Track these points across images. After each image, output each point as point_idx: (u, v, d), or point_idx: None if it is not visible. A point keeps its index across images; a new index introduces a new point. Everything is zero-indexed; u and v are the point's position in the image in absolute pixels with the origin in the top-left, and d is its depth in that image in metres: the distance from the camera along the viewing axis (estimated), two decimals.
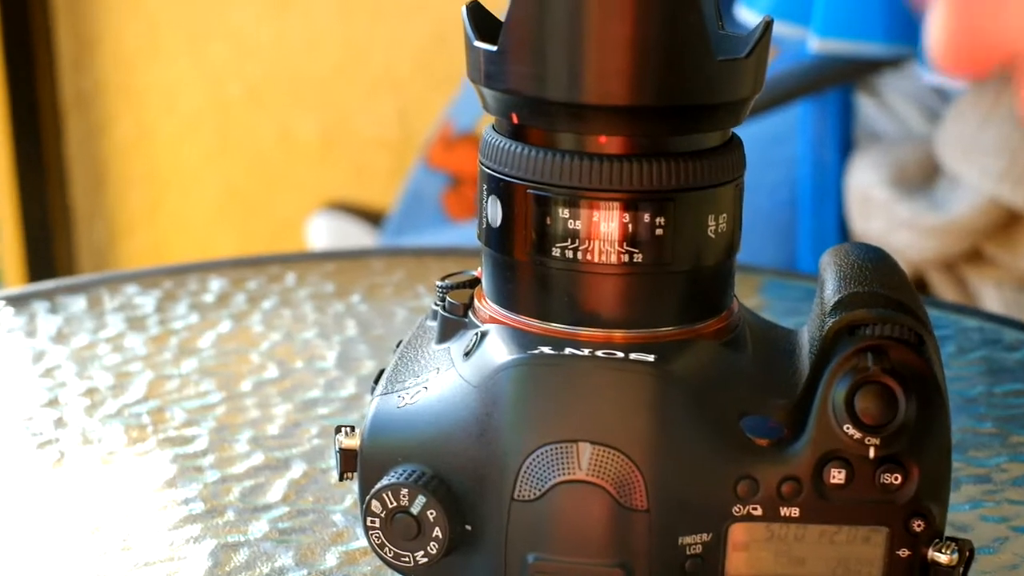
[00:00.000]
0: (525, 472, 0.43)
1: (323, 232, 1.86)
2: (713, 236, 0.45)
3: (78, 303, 0.78)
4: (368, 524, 0.45)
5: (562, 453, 0.43)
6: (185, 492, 0.60)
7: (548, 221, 0.44)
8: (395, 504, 0.44)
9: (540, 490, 0.43)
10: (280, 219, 2.06)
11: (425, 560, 0.44)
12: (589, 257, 0.44)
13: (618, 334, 0.44)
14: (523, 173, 0.44)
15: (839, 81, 1.37)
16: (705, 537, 0.43)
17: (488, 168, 0.45)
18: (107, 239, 2.17)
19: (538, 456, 0.43)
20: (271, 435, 0.64)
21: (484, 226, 0.46)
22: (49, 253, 2.12)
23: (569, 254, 0.44)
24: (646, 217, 0.43)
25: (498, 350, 0.44)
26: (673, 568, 0.43)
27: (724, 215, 0.45)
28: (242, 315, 0.77)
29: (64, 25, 2.09)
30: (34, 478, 0.61)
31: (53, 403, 0.67)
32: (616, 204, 0.43)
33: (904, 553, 0.44)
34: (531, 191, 0.44)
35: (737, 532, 0.44)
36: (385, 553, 0.45)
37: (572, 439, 0.43)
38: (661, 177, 0.43)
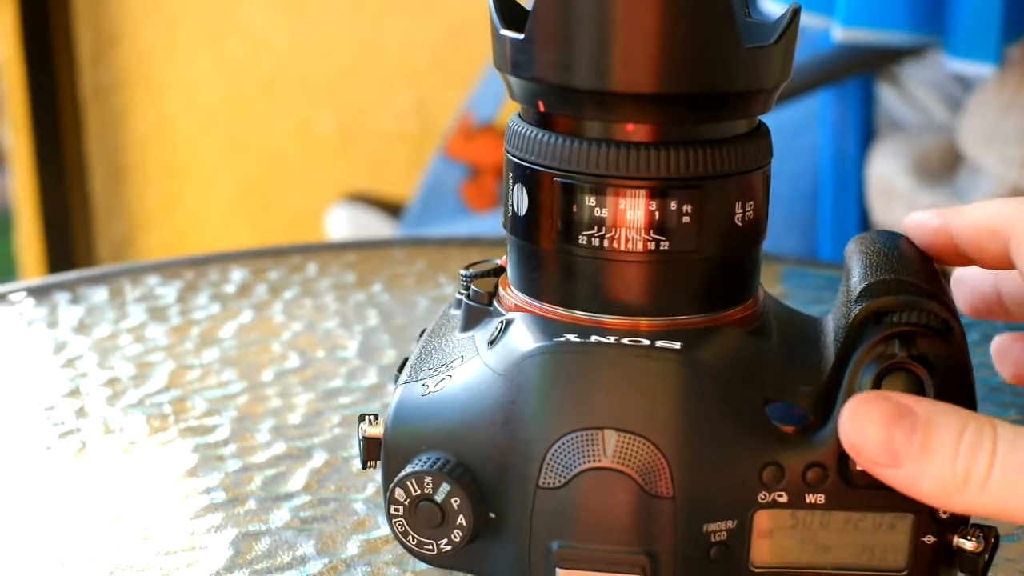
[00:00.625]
0: (550, 460, 0.43)
1: (342, 223, 1.86)
2: (740, 224, 0.44)
3: (100, 294, 0.78)
4: (391, 512, 0.44)
5: (587, 440, 0.43)
6: (207, 481, 0.60)
7: (574, 209, 0.44)
8: (419, 492, 0.44)
9: (565, 478, 0.43)
10: (298, 213, 2.06)
11: (449, 548, 0.44)
12: (615, 245, 0.43)
13: (644, 322, 0.44)
14: (550, 161, 0.44)
15: (860, 70, 1.36)
16: (730, 524, 0.43)
17: (514, 156, 0.45)
18: (126, 232, 2.18)
19: (563, 444, 0.43)
20: (293, 424, 0.64)
21: (510, 214, 0.46)
22: (68, 246, 2.13)
23: (595, 242, 0.44)
24: (673, 204, 0.43)
25: (523, 338, 0.44)
26: (698, 555, 0.43)
27: (751, 203, 0.45)
28: (263, 305, 0.77)
29: (84, 21, 2.09)
30: (56, 467, 0.61)
31: (75, 393, 0.67)
32: (643, 192, 0.43)
33: (930, 540, 0.44)
34: (558, 179, 0.44)
35: (762, 519, 0.43)
36: (408, 541, 0.45)
37: (597, 426, 0.42)
38: (688, 165, 0.43)
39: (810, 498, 0.43)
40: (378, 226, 1.83)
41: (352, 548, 0.55)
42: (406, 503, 0.44)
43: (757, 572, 0.44)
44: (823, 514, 0.43)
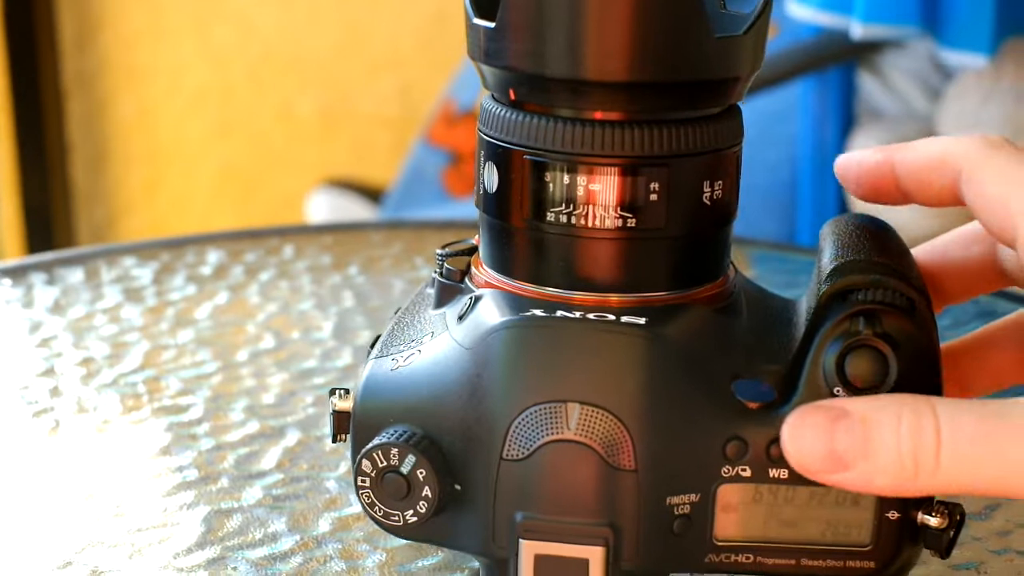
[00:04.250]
0: (514, 432, 0.43)
1: (323, 208, 1.86)
2: (708, 203, 0.45)
3: (76, 275, 0.78)
4: (359, 484, 0.45)
5: (551, 413, 0.43)
6: (179, 460, 0.60)
7: (544, 186, 0.44)
8: (385, 464, 0.44)
9: (528, 449, 0.43)
10: (280, 197, 2.06)
11: (415, 519, 0.44)
12: (584, 222, 0.44)
13: (612, 298, 0.44)
14: (520, 140, 0.44)
15: (840, 59, 1.36)
16: (693, 498, 0.43)
17: (486, 135, 0.45)
18: (107, 218, 2.17)
19: (527, 416, 0.43)
20: (266, 404, 0.64)
21: (481, 192, 0.46)
22: (49, 232, 2.13)
23: (564, 219, 0.44)
24: (641, 182, 0.43)
25: (491, 313, 0.45)
26: (661, 528, 0.43)
27: (720, 182, 0.45)
28: (239, 287, 0.77)
29: (66, 5, 2.09)
30: (30, 446, 0.61)
31: (49, 372, 0.67)
32: (612, 169, 0.43)
33: (894, 515, 0.44)
34: (528, 157, 0.44)
35: (726, 493, 0.44)
36: (375, 512, 0.45)
37: (561, 399, 0.43)
38: (655, 143, 0.43)
39: (773, 472, 0.43)
40: (359, 211, 1.83)
41: (324, 525, 0.55)
42: (372, 475, 0.44)
43: (721, 546, 0.44)
44: (787, 489, 0.44)
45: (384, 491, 0.44)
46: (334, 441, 0.46)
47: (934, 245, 0.51)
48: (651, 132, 0.43)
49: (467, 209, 1.52)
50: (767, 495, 0.44)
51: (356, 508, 0.56)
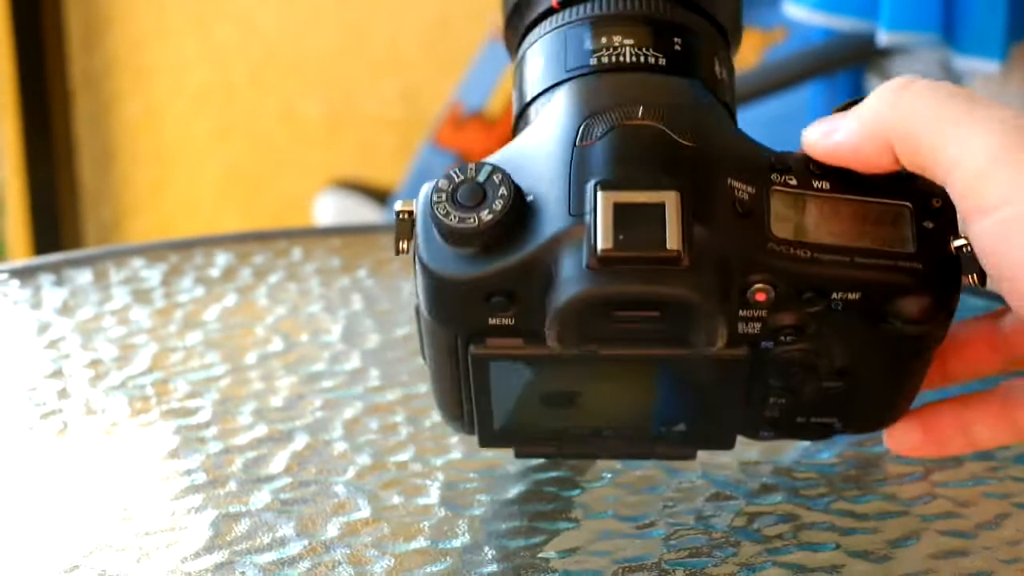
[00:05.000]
0: (586, 126, 0.47)
1: (330, 210, 1.86)
2: None
3: (84, 276, 0.78)
4: (434, 200, 0.46)
5: (622, 110, 0.47)
6: (187, 463, 0.60)
7: None
8: (461, 177, 0.46)
9: (601, 134, 0.46)
10: (286, 198, 2.06)
11: (490, 217, 0.45)
12: None
13: None
14: None
15: (849, 63, 1.36)
16: (751, 190, 0.47)
17: None
18: (113, 218, 2.17)
19: (598, 116, 0.47)
20: (274, 407, 0.64)
21: None
22: (56, 232, 2.13)
23: None
24: None
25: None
26: (724, 201, 0.46)
27: None
28: (248, 289, 0.77)
29: (73, 5, 2.09)
30: (37, 448, 0.61)
31: (57, 374, 0.67)
32: None
33: (929, 225, 0.47)
34: None
35: (777, 201, 0.47)
36: (450, 220, 0.46)
37: (632, 102, 0.47)
38: None
39: (816, 183, 0.47)
40: (366, 213, 1.83)
41: (332, 530, 0.55)
42: (448, 189, 0.46)
43: (781, 238, 0.46)
44: (832, 201, 0.47)
45: (459, 200, 0.46)
46: (397, 253, 0.48)
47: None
48: None
49: None
50: (814, 207, 0.47)
51: (365, 513, 0.56)
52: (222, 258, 0.80)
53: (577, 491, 0.57)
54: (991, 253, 0.45)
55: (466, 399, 0.50)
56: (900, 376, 0.50)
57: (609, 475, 0.58)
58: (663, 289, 0.44)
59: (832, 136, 0.48)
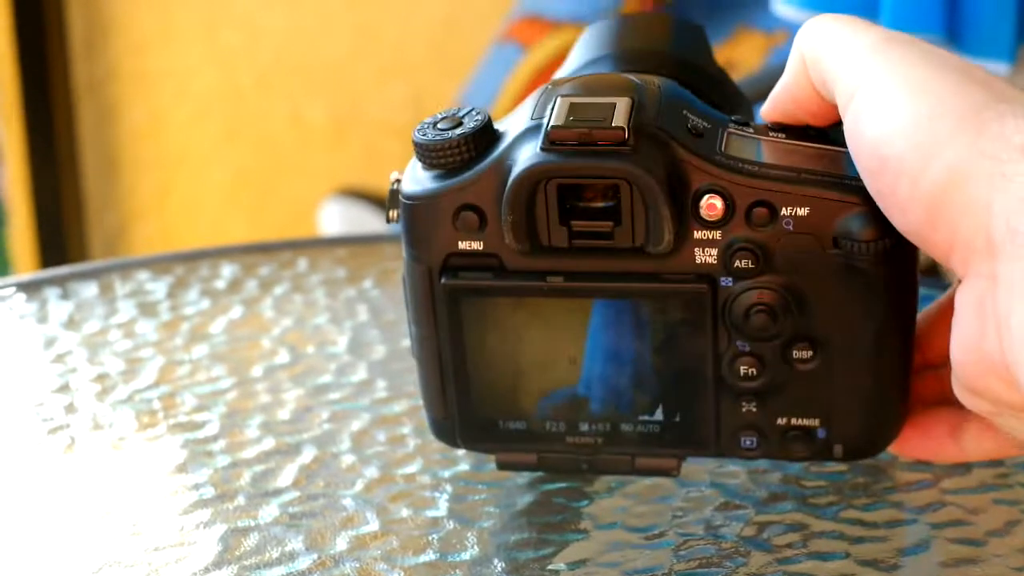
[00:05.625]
0: (560, 78, 0.52)
1: (335, 219, 1.86)
2: None
3: (89, 289, 0.78)
4: (419, 128, 0.51)
5: (595, 69, 0.55)
6: (195, 477, 0.60)
7: None
8: (446, 114, 0.51)
9: (571, 78, 0.51)
10: (292, 205, 2.06)
11: (460, 133, 0.50)
12: None
13: None
14: None
15: None
16: (707, 124, 0.50)
17: None
18: (118, 225, 2.17)
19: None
20: (282, 420, 0.64)
21: None
22: (60, 239, 2.13)
23: None
24: None
25: None
26: (679, 123, 0.49)
27: None
28: (253, 301, 0.77)
29: (76, 11, 2.09)
30: (45, 463, 0.61)
31: (64, 388, 0.67)
32: None
33: None
34: None
35: (732, 138, 0.50)
36: (426, 138, 0.50)
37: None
38: None
39: (772, 134, 0.50)
40: (371, 221, 1.82)
41: (341, 544, 0.55)
42: (432, 121, 0.51)
43: (729, 155, 0.49)
44: (784, 143, 0.50)
45: (439, 126, 0.50)
46: (388, 221, 0.52)
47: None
48: None
49: None
50: (766, 147, 0.50)
51: (374, 526, 0.56)
52: (228, 270, 0.80)
53: (586, 502, 0.57)
54: (849, 136, 0.46)
55: (447, 363, 0.52)
56: (872, 348, 0.50)
57: (617, 485, 0.58)
58: (608, 163, 0.48)
59: (774, 92, 0.50)
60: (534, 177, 0.48)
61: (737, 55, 1.42)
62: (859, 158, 0.46)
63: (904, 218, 0.44)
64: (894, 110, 0.44)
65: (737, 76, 1.39)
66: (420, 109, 1.97)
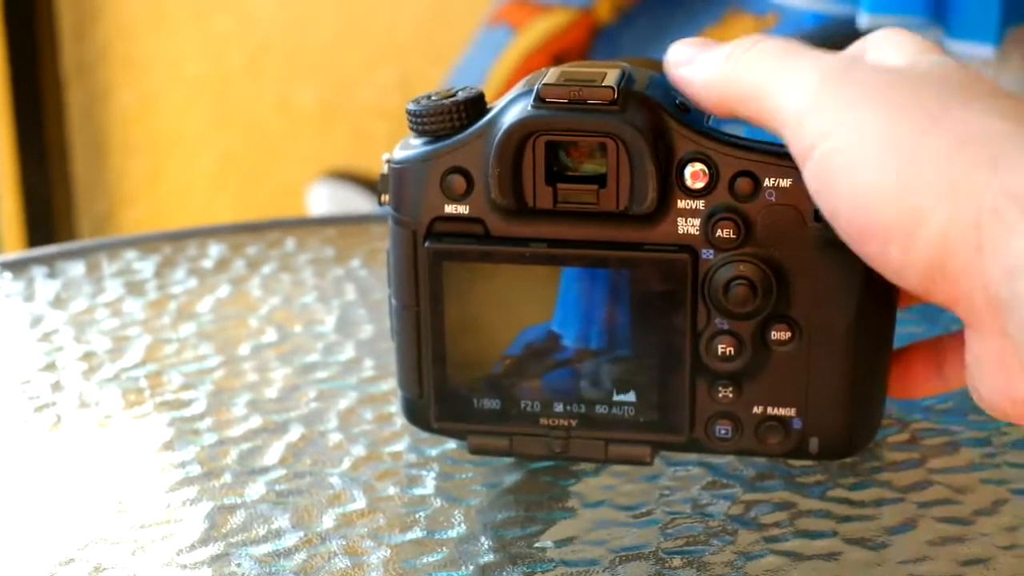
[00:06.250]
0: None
1: (324, 201, 1.85)
2: None
3: (77, 268, 0.78)
4: (414, 99, 0.51)
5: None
6: (182, 455, 0.59)
7: None
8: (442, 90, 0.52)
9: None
10: (280, 188, 2.06)
11: (450, 101, 0.51)
12: None
13: None
14: None
15: (841, 47, 1.36)
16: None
17: None
18: (107, 209, 2.17)
19: None
20: (269, 398, 0.64)
21: None
22: (49, 223, 2.12)
23: None
24: None
25: None
26: (668, 97, 0.50)
27: None
28: (241, 280, 0.76)
29: None
30: (31, 441, 0.61)
31: (51, 367, 0.67)
32: None
33: None
34: None
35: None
36: (419, 106, 0.51)
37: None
38: None
39: None
40: (360, 203, 1.82)
41: (327, 521, 0.55)
42: (428, 94, 0.52)
43: (715, 129, 0.50)
44: None
45: (432, 96, 0.51)
46: (380, 204, 0.53)
47: None
48: None
49: None
50: None
51: (360, 504, 0.56)
52: (215, 249, 0.80)
53: (573, 480, 0.57)
54: (817, 192, 0.45)
55: (424, 335, 0.52)
56: (850, 331, 0.50)
57: (605, 465, 0.58)
58: (597, 119, 0.49)
59: (685, 67, 0.50)
60: (524, 130, 0.49)
61: (727, 37, 1.42)
62: (835, 220, 0.45)
63: (899, 279, 0.44)
64: (869, 173, 0.43)
65: None
66: (409, 93, 1.96)
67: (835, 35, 1.35)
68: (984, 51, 1.24)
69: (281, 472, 0.58)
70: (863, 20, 1.28)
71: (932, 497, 0.56)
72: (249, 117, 2.07)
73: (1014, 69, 1.26)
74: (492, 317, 0.51)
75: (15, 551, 0.53)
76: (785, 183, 0.49)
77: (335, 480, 0.58)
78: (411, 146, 0.52)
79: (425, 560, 0.52)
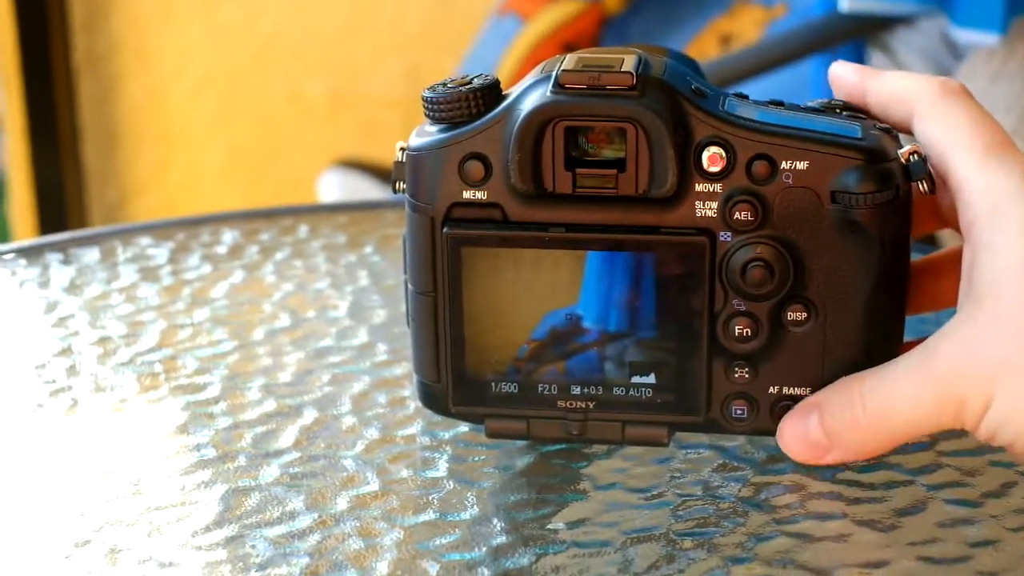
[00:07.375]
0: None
1: (334, 189, 1.86)
2: None
3: (91, 254, 0.78)
4: (430, 86, 0.52)
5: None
6: (197, 438, 0.60)
7: None
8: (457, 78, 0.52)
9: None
10: (289, 179, 2.06)
11: (466, 88, 0.51)
12: None
13: None
14: None
15: (850, 37, 1.36)
16: (710, 91, 0.52)
17: None
18: (118, 199, 2.17)
19: None
20: (283, 382, 0.64)
21: None
22: (61, 213, 2.13)
23: None
24: None
25: None
26: (684, 85, 0.51)
27: None
28: (255, 266, 0.77)
29: None
30: (47, 425, 0.61)
31: (66, 352, 0.67)
32: None
33: (876, 129, 0.52)
34: None
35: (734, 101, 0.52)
36: (435, 93, 0.52)
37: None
38: None
39: (775, 106, 0.52)
40: (371, 191, 1.82)
41: (341, 503, 0.55)
42: (444, 81, 0.53)
43: (732, 113, 0.51)
44: (785, 108, 0.52)
45: (448, 84, 0.52)
46: (394, 192, 0.54)
47: None
48: None
49: None
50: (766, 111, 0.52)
51: (374, 486, 0.56)
52: (229, 235, 0.80)
53: (584, 463, 0.57)
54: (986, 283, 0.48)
55: (442, 320, 0.53)
56: (865, 310, 0.51)
57: (616, 447, 0.58)
58: (617, 104, 0.49)
59: (857, 75, 0.52)
60: (544, 116, 0.49)
61: (735, 28, 1.42)
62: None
63: None
64: None
65: (734, 49, 1.39)
66: (417, 83, 1.97)
67: (843, 25, 1.35)
68: (988, 39, 1.24)
69: (295, 455, 0.59)
70: (844, 3, 1.27)
71: (941, 479, 0.56)
72: (258, 108, 2.07)
73: (1019, 60, 1.26)
74: (513, 302, 0.52)
75: (32, 533, 0.54)
76: (802, 165, 0.49)
77: (349, 463, 0.58)
78: (427, 133, 0.52)
79: (438, 542, 0.53)
